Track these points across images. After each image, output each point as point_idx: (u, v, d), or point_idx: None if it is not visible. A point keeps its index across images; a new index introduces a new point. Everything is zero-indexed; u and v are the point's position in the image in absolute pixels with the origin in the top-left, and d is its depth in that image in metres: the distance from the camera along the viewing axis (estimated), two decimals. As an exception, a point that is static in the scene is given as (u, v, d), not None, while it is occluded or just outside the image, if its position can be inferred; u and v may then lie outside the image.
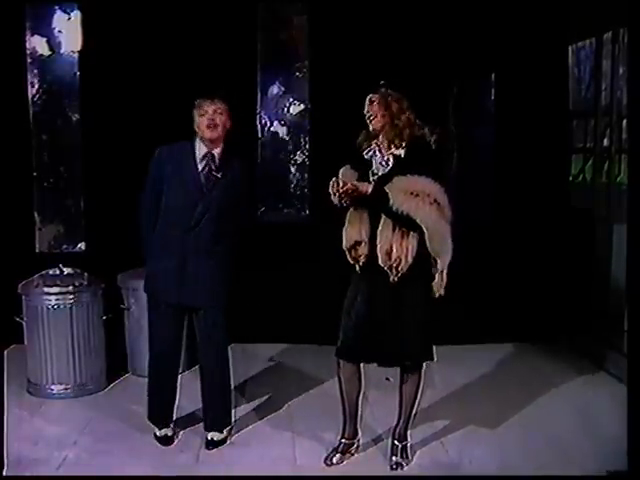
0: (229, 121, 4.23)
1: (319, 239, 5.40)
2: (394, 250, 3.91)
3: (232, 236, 4.36)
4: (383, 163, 4.03)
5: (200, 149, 4.22)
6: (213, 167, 4.20)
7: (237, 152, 4.32)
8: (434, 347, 4.14)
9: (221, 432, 4.56)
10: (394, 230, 3.92)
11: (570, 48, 6.57)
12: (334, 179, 3.92)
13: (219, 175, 4.20)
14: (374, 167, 4.04)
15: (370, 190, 3.91)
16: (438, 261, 3.99)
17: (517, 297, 6.32)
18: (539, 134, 6.23)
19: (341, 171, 4.09)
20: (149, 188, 4.29)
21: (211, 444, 4.51)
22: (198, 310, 4.39)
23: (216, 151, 4.24)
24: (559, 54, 6.28)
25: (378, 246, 3.94)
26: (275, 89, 6.42)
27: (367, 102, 4.03)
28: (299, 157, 6.50)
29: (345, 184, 3.89)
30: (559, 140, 6.36)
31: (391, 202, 3.85)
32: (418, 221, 3.84)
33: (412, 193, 3.84)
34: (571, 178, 7.14)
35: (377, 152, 4.06)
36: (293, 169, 6.52)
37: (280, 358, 6.09)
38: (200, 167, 4.23)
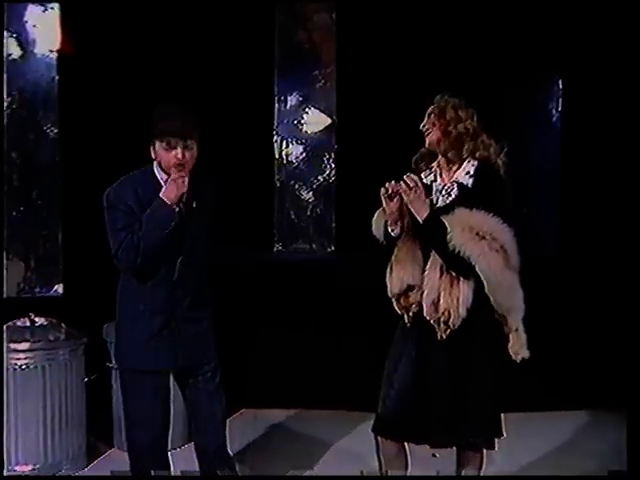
0: (197, 150, 3.90)
1: (348, 282, 5.32)
2: (441, 300, 3.60)
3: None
4: (444, 192, 3.73)
5: (164, 177, 3.89)
6: (184, 198, 3.86)
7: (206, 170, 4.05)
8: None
9: None
10: (442, 274, 3.61)
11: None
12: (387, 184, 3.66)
13: (193, 205, 3.87)
14: (433, 195, 3.73)
15: (425, 214, 3.58)
16: (507, 318, 3.68)
17: (588, 351, 5.75)
18: (614, 150, 5.74)
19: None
20: (124, 225, 3.83)
21: None
22: (193, 375, 4.02)
23: (186, 181, 3.89)
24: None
25: (424, 294, 3.65)
26: (295, 100, 6.18)
27: (426, 117, 3.77)
28: (323, 181, 6.22)
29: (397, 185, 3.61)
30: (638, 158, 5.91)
31: (449, 237, 3.52)
32: (477, 269, 3.52)
33: (478, 234, 3.52)
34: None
35: (438, 176, 3.76)
36: (316, 196, 6.24)
37: (300, 427, 5.60)
38: None
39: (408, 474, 3.92)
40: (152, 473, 4.09)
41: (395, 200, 3.60)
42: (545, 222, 5.96)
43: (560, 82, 6.02)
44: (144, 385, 3.95)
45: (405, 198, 3.59)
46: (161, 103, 3.92)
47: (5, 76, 5.64)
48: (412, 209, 3.61)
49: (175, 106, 3.92)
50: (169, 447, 4.19)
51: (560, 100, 6.02)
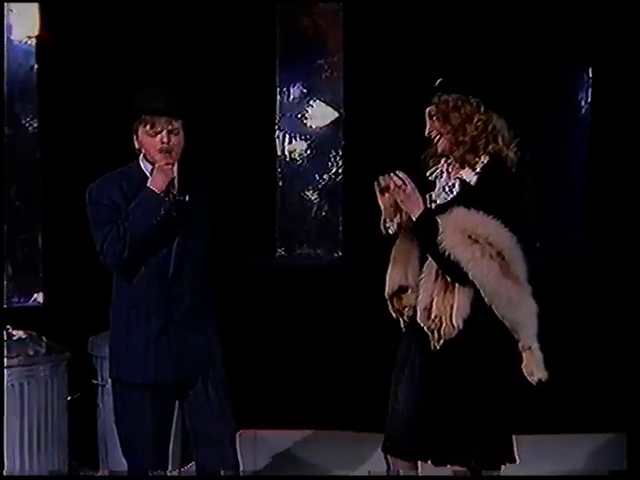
0: (183, 136, 3.90)
1: (356, 289, 5.26)
2: (434, 306, 3.55)
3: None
4: (447, 188, 3.66)
5: (150, 168, 3.89)
6: (174, 191, 3.82)
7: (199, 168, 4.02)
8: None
9: None
10: (437, 278, 3.56)
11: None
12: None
13: (185, 198, 3.83)
14: (435, 192, 3.66)
15: (418, 213, 3.52)
16: (518, 334, 3.59)
17: (614, 367, 5.51)
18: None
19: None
20: (109, 220, 3.79)
21: None
22: (195, 392, 3.95)
23: (174, 168, 3.87)
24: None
25: (418, 298, 3.61)
26: (298, 92, 6.04)
27: (427, 118, 3.69)
28: (329, 180, 6.07)
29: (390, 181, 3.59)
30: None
31: (440, 238, 3.46)
32: (470, 276, 3.45)
33: (470, 237, 3.44)
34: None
35: (444, 172, 3.69)
36: (321, 196, 6.09)
37: (304, 450, 5.51)
38: None
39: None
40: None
41: (387, 195, 3.57)
42: (573, 225, 5.80)
43: (590, 71, 5.83)
44: (144, 401, 3.85)
45: (396, 197, 3.56)
46: (143, 86, 3.89)
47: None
48: (404, 208, 3.57)
49: (158, 87, 3.89)
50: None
51: (590, 90, 5.83)
